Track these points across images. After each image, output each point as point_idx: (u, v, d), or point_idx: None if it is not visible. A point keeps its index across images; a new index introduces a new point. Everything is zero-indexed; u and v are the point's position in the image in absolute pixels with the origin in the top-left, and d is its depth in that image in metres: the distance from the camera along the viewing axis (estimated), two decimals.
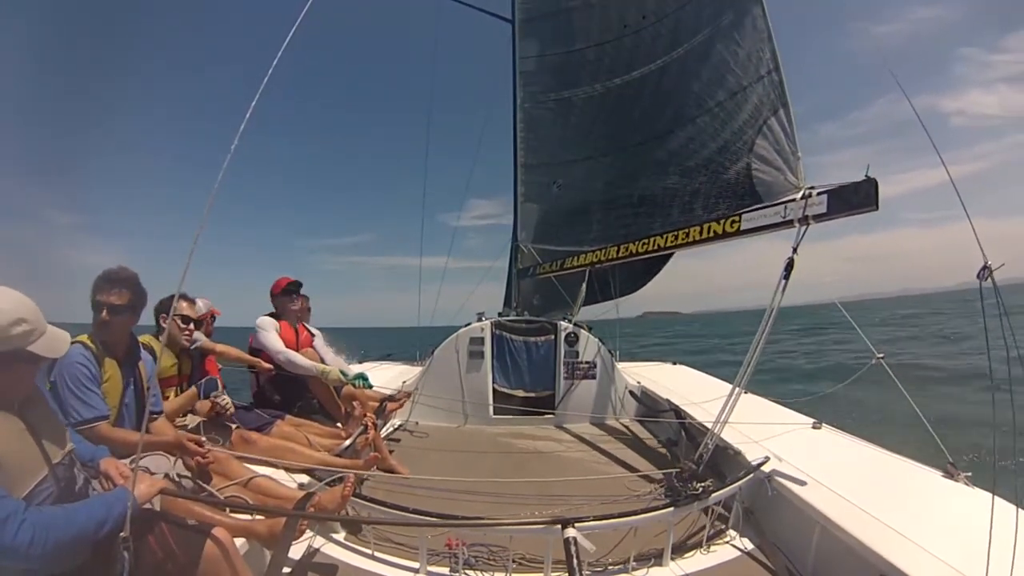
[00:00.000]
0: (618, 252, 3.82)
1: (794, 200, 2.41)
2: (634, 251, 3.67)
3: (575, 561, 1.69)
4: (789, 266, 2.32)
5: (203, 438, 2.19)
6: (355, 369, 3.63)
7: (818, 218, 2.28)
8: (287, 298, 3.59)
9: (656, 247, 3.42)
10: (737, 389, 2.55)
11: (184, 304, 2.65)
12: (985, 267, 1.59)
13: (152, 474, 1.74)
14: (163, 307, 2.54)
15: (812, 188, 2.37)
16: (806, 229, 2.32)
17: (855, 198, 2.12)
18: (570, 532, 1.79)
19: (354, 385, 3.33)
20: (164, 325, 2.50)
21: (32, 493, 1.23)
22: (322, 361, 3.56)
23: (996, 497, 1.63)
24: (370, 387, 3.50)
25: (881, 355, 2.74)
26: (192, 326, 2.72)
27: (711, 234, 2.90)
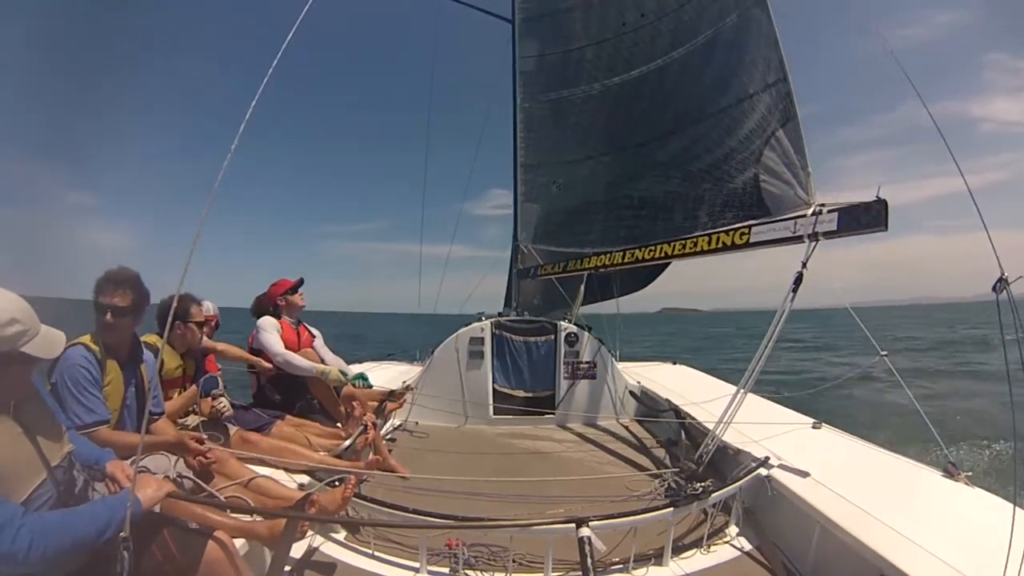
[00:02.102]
0: (623, 257, 3.80)
1: (804, 216, 2.43)
2: (640, 257, 3.64)
3: (589, 560, 1.70)
4: (798, 280, 2.36)
5: (204, 435, 2.17)
6: (355, 369, 3.61)
7: (828, 235, 2.31)
8: (295, 295, 3.60)
9: (663, 255, 3.40)
10: (741, 391, 2.57)
11: (195, 309, 2.66)
12: (1001, 279, 1.56)
13: (153, 474, 1.72)
14: (166, 308, 2.51)
15: (823, 205, 2.40)
16: (815, 245, 2.34)
17: (865, 217, 2.15)
18: (584, 531, 1.80)
19: (354, 385, 3.32)
20: (179, 332, 2.56)
21: (31, 498, 1.21)
22: (322, 361, 3.52)
23: (999, 499, 1.63)
24: (370, 387, 3.48)
25: (884, 352, 2.77)
26: (204, 329, 2.79)
27: (719, 245, 2.90)
